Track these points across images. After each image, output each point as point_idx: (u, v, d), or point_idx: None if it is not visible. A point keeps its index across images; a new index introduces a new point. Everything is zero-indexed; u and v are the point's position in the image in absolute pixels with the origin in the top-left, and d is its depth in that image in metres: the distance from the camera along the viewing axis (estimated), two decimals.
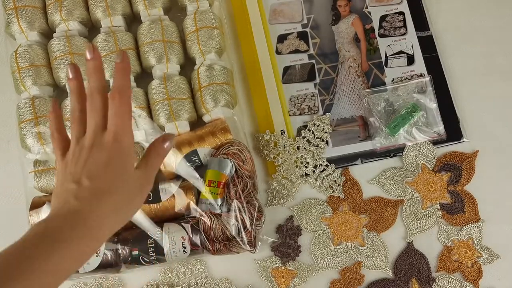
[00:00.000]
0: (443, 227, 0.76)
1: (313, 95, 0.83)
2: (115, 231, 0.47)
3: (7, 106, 0.81)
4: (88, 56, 0.48)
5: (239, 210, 0.69)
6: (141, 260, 0.69)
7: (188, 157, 0.72)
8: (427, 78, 0.81)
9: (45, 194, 0.73)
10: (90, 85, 0.48)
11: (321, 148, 0.79)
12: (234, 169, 0.70)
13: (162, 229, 0.70)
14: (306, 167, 0.79)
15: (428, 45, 0.83)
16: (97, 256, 0.69)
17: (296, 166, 0.79)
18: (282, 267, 0.76)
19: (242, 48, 0.84)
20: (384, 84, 0.82)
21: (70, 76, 0.50)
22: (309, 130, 0.80)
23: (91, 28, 0.83)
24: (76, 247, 0.43)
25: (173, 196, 0.71)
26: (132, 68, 0.76)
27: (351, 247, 0.76)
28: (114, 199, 0.46)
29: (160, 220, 0.71)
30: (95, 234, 0.45)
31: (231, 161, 0.70)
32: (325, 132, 0.80)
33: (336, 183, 0.78)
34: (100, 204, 0.45)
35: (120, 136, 0.47)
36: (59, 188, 0.47)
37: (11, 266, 0.40)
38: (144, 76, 0.79)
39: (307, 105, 0.82)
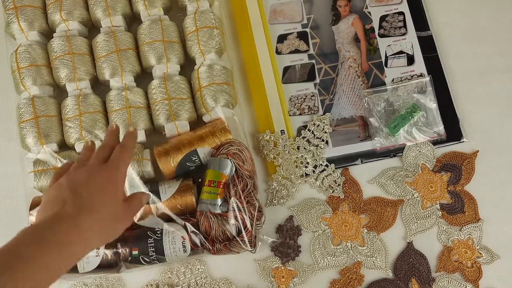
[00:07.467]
0: (443, 227, 0.76)
1: (313, 95, 0.83)
2: (96, 247, 0.59)
3: (7, 106, 0.81)
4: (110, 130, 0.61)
5: (239, 210, 0.69)
6: (141, 259, 0.69)
7: (188, 157, 0.72)
8: (427, 78, 0.81)
9: None
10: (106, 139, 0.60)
11: (321, 148, 0.79)
12: (234, 169, 0.70)
13: (162, 229, 0.70)
14: (306, 167, 0.79)
15: (428, 45, 0.83)
16: (96, 256, 0.69)
17: (296, 166, 0.79)
18: (282, 267, 0.76)
19: (242, 48, 0.84)
20: (384, 84, 0.82)
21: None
22: (309, 130, 0.80)
23: (91, 28, 0.83)
24: (67, 250, 0.47)
25: (173, 196, 0.71)
26: (132, 68, 0.77)
27: (351, 247, 0.76)
28: (100, 217, 0.51)
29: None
30: (85, 239, 0.50)
31: (231, 161, 0.70)
32: (325, 132, 0.80)
33: (336, 183, 0.78)
34: (86, 219, 0.50)
35: (117, 165, 0.55)
36: (54, 192, 0.53)
37: (3, 264, 0.43)
38: (144, 76, 0.79)
39: (307, 105, 0.82)
